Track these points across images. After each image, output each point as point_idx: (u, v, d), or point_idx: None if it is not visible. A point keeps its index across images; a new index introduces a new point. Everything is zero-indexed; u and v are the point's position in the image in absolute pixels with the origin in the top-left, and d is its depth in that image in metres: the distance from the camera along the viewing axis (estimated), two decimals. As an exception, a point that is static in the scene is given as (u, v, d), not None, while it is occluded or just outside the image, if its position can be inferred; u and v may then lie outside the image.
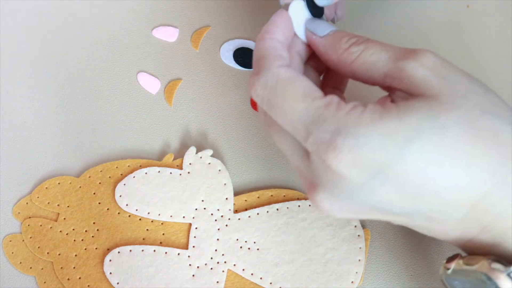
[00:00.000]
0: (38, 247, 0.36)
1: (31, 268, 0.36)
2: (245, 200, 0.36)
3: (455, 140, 0.23)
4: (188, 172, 0.37)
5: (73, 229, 0.37)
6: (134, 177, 0.37)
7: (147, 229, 0.36)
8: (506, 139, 0.24)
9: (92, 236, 0.36)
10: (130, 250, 0.35)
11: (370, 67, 0.26)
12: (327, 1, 0.29)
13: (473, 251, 0.26)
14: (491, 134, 0.23)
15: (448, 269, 0.26)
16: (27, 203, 0.38)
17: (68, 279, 0.35)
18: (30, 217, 0.37)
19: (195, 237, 0.35)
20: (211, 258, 0.35)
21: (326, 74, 0.31)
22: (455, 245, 0.27)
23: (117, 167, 0.38)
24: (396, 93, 0.25)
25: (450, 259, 0.26)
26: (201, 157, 0.37)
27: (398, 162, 0.23)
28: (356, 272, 0.34)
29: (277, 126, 0.26)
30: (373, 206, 0.25)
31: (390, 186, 0.23)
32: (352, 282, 0.34)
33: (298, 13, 0.29)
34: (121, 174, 0.38)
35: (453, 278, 0.26)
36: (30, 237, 0.37)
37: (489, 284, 0.24)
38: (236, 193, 0.37)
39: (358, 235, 0.35)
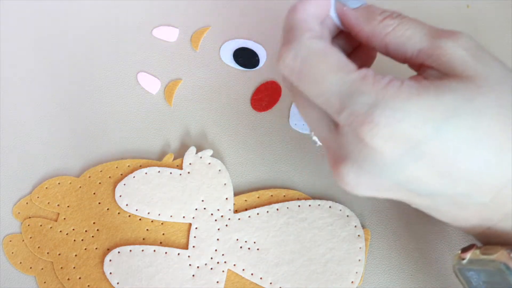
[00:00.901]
0: (38, 247, 0.36)
1: (31, 268, 0.36)
2: (245, 200, 0.36)
3: (489, 124, 0.23)
4: (188, 172, 0.37)
5: (73, 229, 0.37)
6: (134, 177, 0.37)
7: (147, 229, 0.36)
8: None
9: (92, 236, 0.36)
10: (130, 250, 0.35)
11: (405, 41, 0.25)
12: None
13: (489, 240, 0.26)
14: None
15: (463, 259, 0.26)
16: (27, 203, 0.38)
17: (68, 279, 0.35)
18: (30, 217, 0.37)
19: (195, 237, 0.35)
20: (211, 258, 0.35)
21: (352, 53, 0.30)
22: (471, 233, 0.27)
23: (117, 167, 0.38)
24: (428, 71, 0.25)
25: (465, 249, 0.26)
26: (201, 157, 0.37)
27: (433, 139, 0.23)
28: (356, 272, 0.34)
29: (304, 98, 0.26)
30: (400, 184, 0.24)
31: (422, 163, 0.23)
32: (352, 282, 0.34)
33: None
34: (121, 174, 0.38)
35: (468, 268, 0.26)
36: (30, 237, 0.37)
37: (508, 274, 0.24)
38: (236, 193, 0.37)
39: (358, 235, 0.35)
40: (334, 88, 0.24)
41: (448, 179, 0.24)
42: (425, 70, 0.25)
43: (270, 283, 0.34)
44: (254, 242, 0.35)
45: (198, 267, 0.35)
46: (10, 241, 0.37)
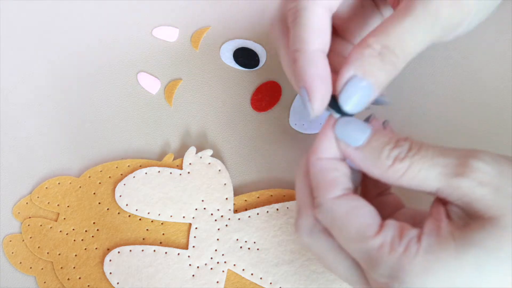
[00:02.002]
0: (38, 247, 0.36)
1: (31, 268, 0.36)
2: (245, 200, 0.36)
3: None
4: (188, 172, 0.37)
5: (73, 229, 0.37)
6: (134, 177, 0.37)
7: (147, 229, 0.36)
8: None
9: (92, 236, 0.36)
10: (130, 250, 0.35)
11: (420, 183, 0.24)
12: (357, 108, 0.26)
13: None
14: None
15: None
16: (27, 203, 0.38)
17: (68, 279, 0.35)
18: (30, 217, 0.37)
19: (195, 237, 0.35)
20: (211, 258, 0.35)
21: None
22: None
23: (117, 167, 0.38)
24: (453, 208, 0.24)
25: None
26: (201, 157, 0.37)
27: None
28: (356, 272, 0.34)
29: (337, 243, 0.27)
30: None
31: None
32: (352, 282, 0.34)
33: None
34: (121, 174, 0.38)
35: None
36: (30, 237, 0.37)
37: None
38: (236, 193, 0.37)
39: (358, 235, 0.35)
40: (357, 254, 0.25)
41: None
42: (449, 205, 0.25)
43: (270, 283, 0.34)
44: (254, 242, 0.35)
45: (198, 267, 0.35)
46: (10, 241, 0.37)
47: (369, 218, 0.25)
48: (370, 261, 0.24)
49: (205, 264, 0.35)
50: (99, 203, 0.37)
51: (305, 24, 0.27)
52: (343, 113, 0.27)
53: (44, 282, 0.36)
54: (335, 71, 0.27)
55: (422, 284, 0.23)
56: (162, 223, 0.36)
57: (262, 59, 0.40)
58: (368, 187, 0.30)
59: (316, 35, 0.27)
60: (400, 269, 0.23)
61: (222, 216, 0.36)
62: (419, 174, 0.24)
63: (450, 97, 0.38)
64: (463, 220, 0.24)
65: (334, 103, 0.27)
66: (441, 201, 0.25)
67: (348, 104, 0.26)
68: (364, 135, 0.26)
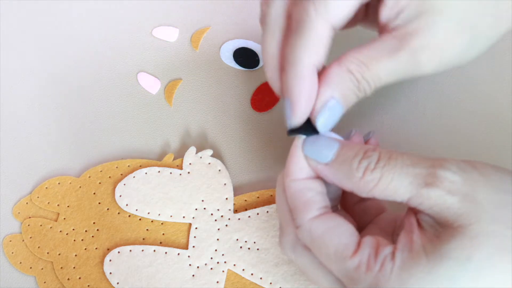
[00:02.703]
0: (38, 247, 0.36)
1: (31, 268, 0.36)
2: (245, 200, 0.36)
3: (490, 281, 0.23)
4: (188, 172, 0.37)
5: (73, 229, 0.37)
6: (134, 177, 0.37)
7: (147, 229, 0.36)
8: None
9: (92, 236, 0.36)
10: (130, 250, 0.35)
11: (392, 194, 0.25)
12: (327, 127, 0.27)
13: None
14: None
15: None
16: (27, 203, 0.38)
17: (68, 279, 0.35)
18: (30, 217, 0.37)
19: (195, 237, 0.35)
20: (211, 258, 0.35)
21: None
22: None
23: (117, 167, 0.38)
24: (423, 217, 0.25)
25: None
26: (201, 157, 0.37)
27: None
28: (356, 272, 0.34)
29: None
30: None
31: None
32: (352, 282, 0.34)
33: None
34: (121, 174, 0.38)
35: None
36: (30, 237, 0.37)
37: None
38: (236, 193, 0.37)
39: (358, 235, 0.35)
40: (336, 273, 0.26)
41: None
42: (420, 213, 0.25)
43: (270, 283, 0.34)
44: (254, 242, 0.35)
45: (198, 267, 0.35)
46: (10, 241, 0.37)
47: (345, 237, 0.26)
48: (349, 280, 0.25)
49: (205, 264, 0.35)
50: (99, 203, 0.37)
51: (306, 35, 0.26)
52: (309, 133, 0.27)
53: (44, 282, 0.36)
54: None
55: None
56: (162, 223, 0.36)
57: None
58: (347, 195, 0.30)
59: (315, 50, 0.27)
60: (376, 285, 0.24)
61: (222, 216, 0.36)
62: (390, 185, 0.25)
63: (449, 98, 0.38)
64: (433, 228, 0.24)
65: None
66: (413, 211, 0.26)
67: (322, 124, 0.27)
68: (331, 150, 0.27)
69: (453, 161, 0.25)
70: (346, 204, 0.31)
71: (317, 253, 0.26)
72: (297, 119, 0.27)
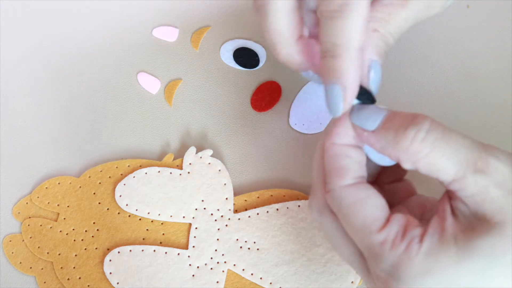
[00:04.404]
0: (38, 247, 0.36)
1: (31, 268, 0.36)
2: (245, 200, 0.36)
3: None
4: (188, 172, 0.37)
5: (73, 229, 0.37)
6: (134, 177, 0.37)
7: (147, 229, 0.36)
8: None
9: (92, 236, 0.36)
10: (130, 250, 0.35)
11: (437, 170, 0.24)
12: (377, 87, 0.28)
13: None
14: None
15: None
16: (27, 203, 0.38)
17: (68, 279, 0.35)
18: (30, 217, 0.37)
19: (195, 237, 0.35)
20: (211, 258, 0.35)
21: None
22: None
23: (117, 167, 0.38)
24: (459, 205, 0.24)
25: None
26: (201, 157, 0.37)
27: None
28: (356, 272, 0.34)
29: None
30: None
31: None
32: (352, 282, 0.34)
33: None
34: (121, 174, 0.38)
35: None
36: (30, 237, 0.37)
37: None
38: (236, 193, 0.37)
39: (358, 235, 0.35)
40: (360, 245, 0.25)
41: None
42: (457, 201, 0.24)
43: (270, 283, 0.34)
44: (254, 242, 0.35)
45: (198, 267, 0.35)
46: (10, 241, 0.37)
47: (376, 210, 0.25)
48: (371, 255, 0.24)
49: (205, 264, 0.35)
50: (99, 203, 0.37)
51: (355, 18, 0.25)
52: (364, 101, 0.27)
53: (44, 282, 0.36)
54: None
55: (420, 285, 0.23)
56: (162, 223, 0.36)
57: (262, 59, 0.40)
58: (381, 174, 0.30)
59: (363, 32, 0.26)
60: (399, 268, 0.23)
61: (222, 216, 0.36)
62: (439, 161, 0.23)
63: (450, 96, 0.38)
64: (468, 219, 0.24)
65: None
66: (448, 197, 0.25)
67: (374, 87, 0.27)
68: (378, 118, 0.26)
69: (503, 151, 0.24)
70: (377, 183, 0.30)
71: (344, 221, 0.26)
72: (348, 105, 0.26)
